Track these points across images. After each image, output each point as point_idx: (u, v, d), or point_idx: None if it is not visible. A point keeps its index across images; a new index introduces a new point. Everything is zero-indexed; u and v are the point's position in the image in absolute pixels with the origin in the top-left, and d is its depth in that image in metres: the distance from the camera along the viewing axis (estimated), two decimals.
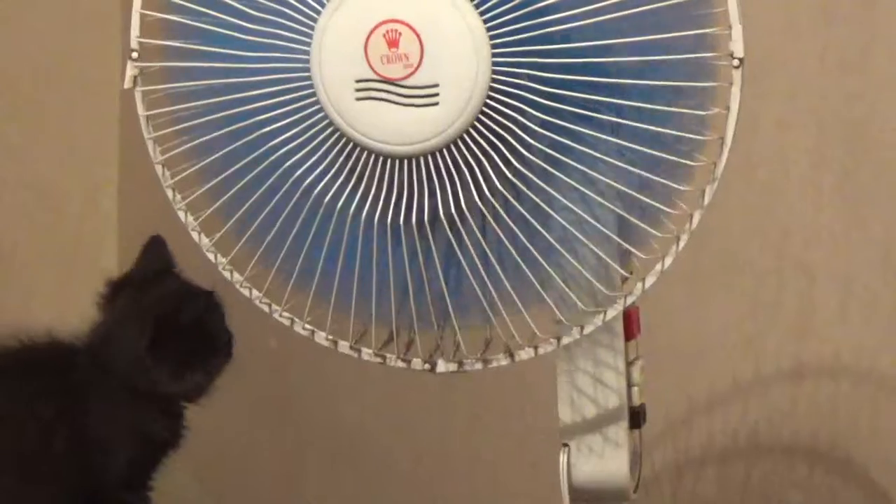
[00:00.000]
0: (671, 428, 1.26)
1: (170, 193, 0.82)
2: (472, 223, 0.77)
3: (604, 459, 0.84)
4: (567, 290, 0.78)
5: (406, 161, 0.76)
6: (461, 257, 0.78)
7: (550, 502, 0.86)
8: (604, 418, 0.84)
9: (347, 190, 0.78)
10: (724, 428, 1.24)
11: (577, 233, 0.77)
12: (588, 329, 0.79)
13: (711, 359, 1.25)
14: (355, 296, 0.80)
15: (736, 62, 0.74)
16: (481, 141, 0.75)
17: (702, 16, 0.75)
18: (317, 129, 0.78)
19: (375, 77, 0.75)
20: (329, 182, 0.78)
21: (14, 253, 1.74)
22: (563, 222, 0.77)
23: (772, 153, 1.20)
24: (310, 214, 0.79)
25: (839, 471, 1.18)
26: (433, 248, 0.78)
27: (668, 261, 0.77)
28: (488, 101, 0.75)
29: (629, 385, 0.84)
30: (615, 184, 0.76)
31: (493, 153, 0.75)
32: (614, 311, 0.79)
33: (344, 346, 0.82)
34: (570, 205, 0.76)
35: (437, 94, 0.74)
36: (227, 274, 0.83)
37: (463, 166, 0.76)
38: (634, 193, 0.76)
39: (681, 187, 0.77)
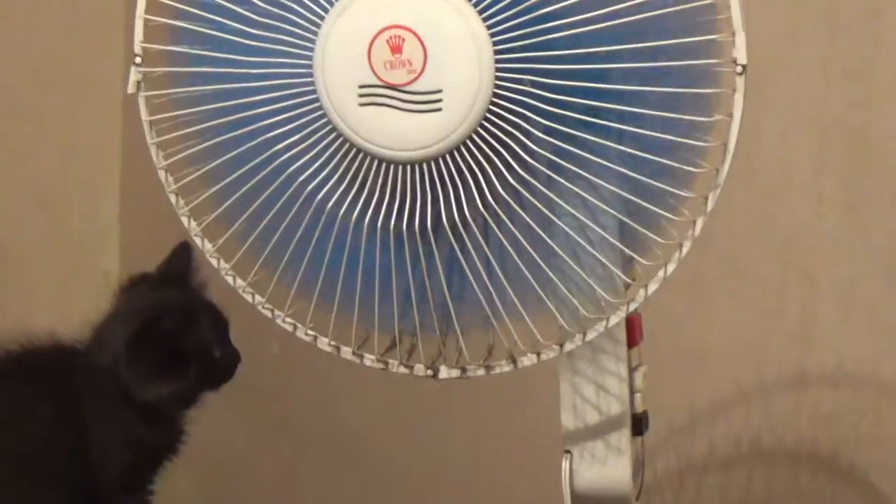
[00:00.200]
0: (674, 435, 1.26)
1: (173, 199, 0.82)
2: (475, 229, 0.77)
3: (606, 466, 0.84)
4: (570, 296, 0.77)
5: (409, 167, 0.76)
6: (464, 263, 0.78)
7: None
8: (606, 425, 0.84)
9: (350, 195, 0.78)
10: (726, 434, 1.24)
11: (579, 239, 0.77)
12: (591, 335, 0.79)
13: (714, 365, 1.25)
14: (358, 302, 0.80)
15: (739, 69, 0.74)
16: (484, 147, 0.75)
17: (706, 23, 0.75)
18: (320, 134, 0.78)
19: (378, 83, 0.75)
20: (332, 187, 0.78)
21: (16, 257, 1.74)
22: (566, 228, 0.76)
23: (775, 160, 1.20)
24: (312, 220, 0.79)
25: (841, 477, 1.18)
26: (436, 253, 0.78)
27: (671, 267, 0.77)
28: (491, 106, 0.75)
29: (632, 392, 0.84)
30: (618, 190, 0.76)
31: (496, 159, 0.75)
32: (617, 318, 0.79)
33: (346, 351, 0.82)
34: (573, 211, 0.76)
35: (440, 100, 0.74)
36: (229, 279, 0.83)
37: (466, 172, 0.76)
38: (637, 200, 0.76)
39: (684, 194, 0.76)
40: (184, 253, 1.21)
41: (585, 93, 0.75)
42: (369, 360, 0.82)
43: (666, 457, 1.26)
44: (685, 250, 0.77)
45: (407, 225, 0.77)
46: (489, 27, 0.74)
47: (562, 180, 0.76)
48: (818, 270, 1.19)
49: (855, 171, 1.17)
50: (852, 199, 1.17)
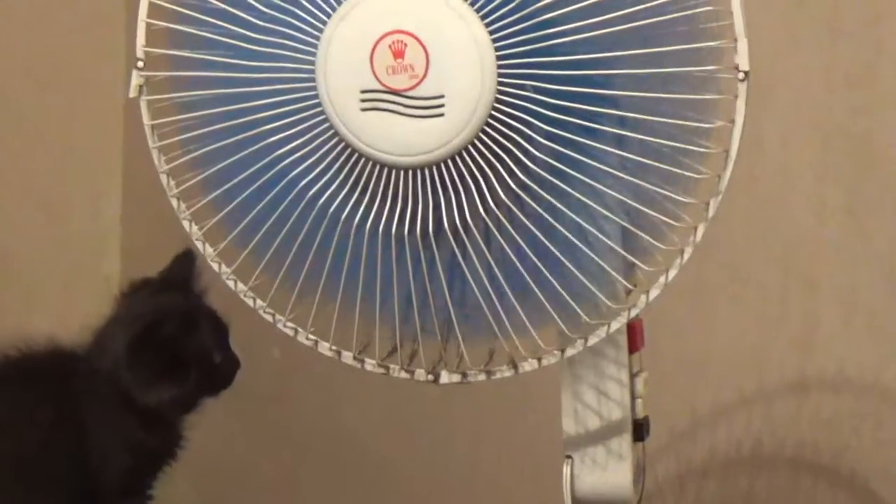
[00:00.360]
0: (675, 440, 1.26)
1: (174, 203, 0.82)
2: (477, 234, 0.77)
3: (607, 472, 0.84)
4: (571, 301, 0.77)
5: (411, 172, 0.76)
6: (465, 268, 0.78)
7: None
8: (607, 430, 0.84)
9: (352, 200, 0.78)
10: (727, 440, 1.24)
11: (581, 245, 0.76)
12: (592, 341, 0.79)
13: (715, 371, 1.25)
14: (359, 306, 0.80)
15: (741, 75, 0.74)
16: (486, 152, 0.75)
17: (708, 29, 0.75)
18: (322, 139, 0.78)
19: (381, 88, 0.75)
20: (334, 192, 0.78)
21: (16, 261, 1.74)
22: (568, 234, 0.76)
23: (776, 166, 1.20)
24: (314, 224, 0.79)
25: (842, 483, 1.18)
26: (437, 258, 0.78)
27: (673, 273, 0.77)
28: (493, 112, 0.75)
29: (633, 397, 0.84)
30: (620, 196, 0.76)
31: (497, 164, 0.75)
32: (618, 324, 0.79)
33: (347, 356, 0.82)
34: (574, 217, 0.76)
35: (442, 106, 0.74)
36: (231, 283, 0.83)
37: (468, 177, 0.76)
38: (639, 206, 0.76)
39: (685, 200, 0.76)
40: (187, 259, 1.21)
41: (587, 99, 0.75)
42: (370, 364, 0.82)
43: (667, 462, 1.26)
44: (687, 256, 0.77)
45: (408, 230, 0.77)
46: (491, 33, 0.74)
47: (563, 186, 0.76)
48: (820, 276, 1.19)
49: (857, 177, 1.17)
50: (854, 206, 1.17)
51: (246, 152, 0.79)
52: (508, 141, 0.75)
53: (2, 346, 1.20)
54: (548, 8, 0.74)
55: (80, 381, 1.19)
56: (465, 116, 0.74)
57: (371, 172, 0.77)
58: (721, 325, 1.25)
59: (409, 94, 0.75)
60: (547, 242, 0.77)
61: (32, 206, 1.76)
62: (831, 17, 1.17)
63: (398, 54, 0.74)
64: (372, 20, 0.75)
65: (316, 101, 0.77)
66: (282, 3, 0.77)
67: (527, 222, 0.76)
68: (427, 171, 0.76)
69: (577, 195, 0.76)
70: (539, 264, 0.77)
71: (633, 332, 0.83)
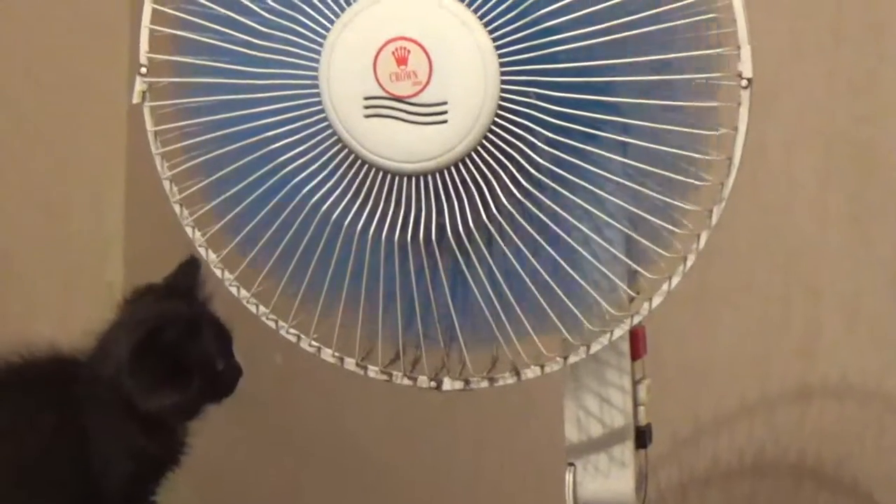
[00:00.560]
0: (677, 448, 1.26)
1: (177, 209, 0.82)
2: (480, 241, 0.77)
3: (609, 479, 0.84)
4: (574, 308, 0.77)
5: (414, 178, 0.76)
6: (468, 275, 0.78)
7: None
8: (610, 437, 0.84)
9: (355, 207, 0.78)
10: (730, 448, 1.23)
11: (584, 252, 0.76)
12: (594, 348, 0.79)
13: (718, 379, 1.25)
14: (362, 313, 0.80)
15: (744, 82, 0.74)
16: (489, 159, 0.75)
17: (711, 36, 0.75)
18: (325, 145, 0.78)
19: (384, 94, 0.75)
20: (337, 199, 0.78)
21: (19, 267, 1.74)
22: (571, 241, 0.76)
23: (779, 174, 1.20)
24: (317, 231, 0.79)
25: (845, 491, 1.18)
26: (440, 265, 0.78)
27: (676, 280, 0.77)
28: (496, 119, 0.75)
29: (635, 404, 0.84)
30: (623, 203, 0.76)
31: (500, 171, 0.75)
32: (621, 331, 0.79)
33: (350, 363, 0.82)
34: (577, 224, 0.76)
35: (445, 112, 0.74)
36: (233, 290, 0.83)
37: (470, 184, 0.76)
38: (642, 213, 0.76)
39: (688, 207, 0.76)
40: (192, 266, 1.21)
41: (590, 106, 0.75)
42: (373, 371, 0.82)
43: (669, 470, 1.26)
44: (689, 263, 0.77)
45: (411, 236, 0.77)
46: (494, 39, 0.74)
47: (566, 193, 0.76)
48: (823, 284, 1.19)
49: (860, 184, 1.17)
50: (857, 213, 1.17)
51: (249, 158, 0.79)
52: (511, 147, 0.75)
53: (4, 351, 1.20)
54: (550, 15, 0.74)
55: (82, 386, 1.19)
56: (468, 123, 0.74)
57: (374, 179, 0.77)
58: (724, 332, 1.25)
59: (413, 100, 0.75)
60: (550, 249, 0.76)
61: (35, 211, 1.76)
62: (834, 24, 1.17)
63: (401, 61, 0.74)
64: (375, 27, 0.75)
65: (319, 107, 0.77)
66: (285, 10, 0.77)
67: (529, 229, 0.76)
68: (430, 178, 0.76)
69: (580, 202, 0.76)
70: (542, 271, 0.77)
71: (636, 340, 0.83)
